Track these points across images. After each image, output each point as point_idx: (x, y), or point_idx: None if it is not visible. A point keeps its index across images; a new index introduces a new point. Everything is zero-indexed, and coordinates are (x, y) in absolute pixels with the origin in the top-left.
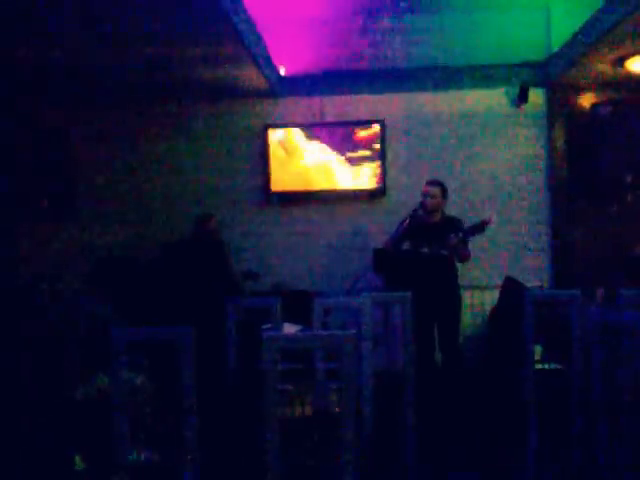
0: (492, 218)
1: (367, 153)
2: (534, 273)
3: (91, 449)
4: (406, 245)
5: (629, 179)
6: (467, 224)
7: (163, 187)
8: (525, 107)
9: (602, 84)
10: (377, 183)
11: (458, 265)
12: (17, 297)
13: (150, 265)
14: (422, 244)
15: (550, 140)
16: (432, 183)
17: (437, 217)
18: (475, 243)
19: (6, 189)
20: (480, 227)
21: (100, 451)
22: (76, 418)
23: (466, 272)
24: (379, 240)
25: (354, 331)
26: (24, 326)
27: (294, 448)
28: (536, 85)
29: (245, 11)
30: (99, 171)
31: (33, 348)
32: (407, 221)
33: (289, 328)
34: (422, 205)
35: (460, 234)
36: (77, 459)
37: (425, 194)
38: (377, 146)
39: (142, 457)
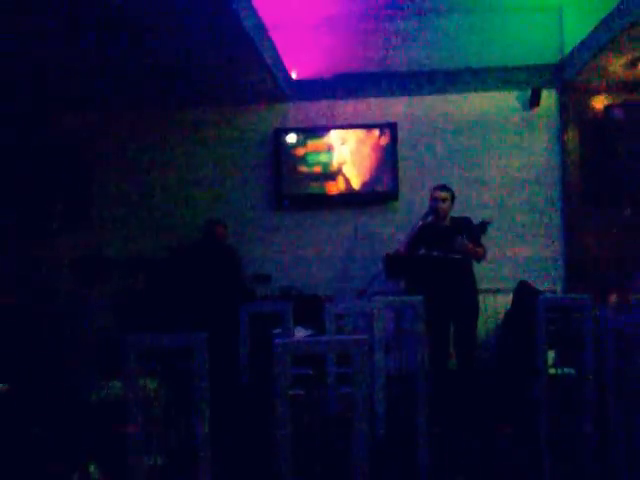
0: (490, 219)
1: (379, 156)
2: (547, 277)
3: (105, 454)
4: (419, 250)
5: None
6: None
7: (175, 192)
8: (537, 109)
9: (615, 86)
10: (389, 186)
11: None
12: (32, 304)
13: (161, 268)
14: (434, 249)
15: (563, 142)
16: (442, 188)
17: (447, 221)
18: (488, 246)
19: (21, 196)
20: (481, 227)
21: (114, 456)
22: (90, 424)
23: (479, 276)
24: (391, 244)
25: (366, 336)
26: (40, 332)
27: (306, 453)
28: (549, 87)
29: (256, 15)
30: (112, 178)
31: (48, 354)
32: (419, 225)
33: (300, 332)
34: (435, 210)
35: (464, 236)
36: (92, 467)
37: (437, 199)
38: (388, 149)
39: (156, 462)
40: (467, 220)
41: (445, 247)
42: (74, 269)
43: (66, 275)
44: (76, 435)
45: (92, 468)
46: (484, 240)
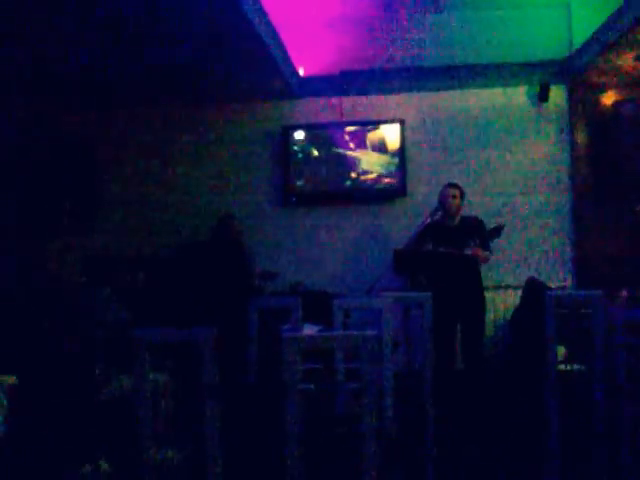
0: (504, 223)
1: (387, 153)
2: (557, 273)
3: (116, 449)
4: (427, 247)
5: None
6: (487, 224)
7: (183, 189)
8: (546, 105)
9: (624, 81)
10: (397, 183)
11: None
12: (41, 302)
13: (170, 266)
14: (443, 246)
15: (572, 138)
16: (452, 185)
17: (457, 219)
18: (497, 243)
19: (29, 196)
20: (495, 232)
21: (125, 450)
22: (100, 418)
23: (488, 272)
24: (399, 240)
25: (374, 332)
26: (49, 330)
27: (314, 448)
28: (557, 83)
29: (264, 12)
30: (120, 177)
31: (58, 349)
32: (428, 221)
33: (309, 329)
34: (445, 207)
35: (477, 241)
36: (102, 463)
37: (447, 196)
38: (397, 146)
39: (166, 455)
40: (477, 221)
41: (454, 247)
42: (84, 267)
43: (75, 273)
44: (87, 429)
45: (103, 462)
46: (496, 242)
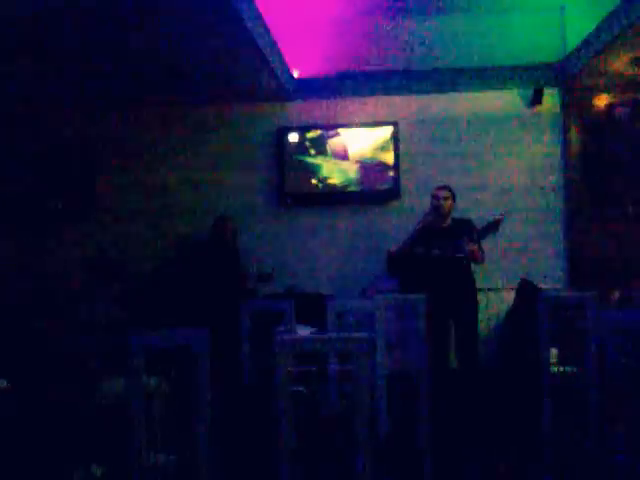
0: (503, 216)
1: (381, 155)
2: (549, 275)
3: (109, 452)
4: (419, 249)
5: None
6: (478, 225)
7: (177, 191)
8: (540, 109)
9: (618, 85)
10: (391, 185)
11: (473, 267)
12: (35, 298)
13: (167, 266)
14: (435, 248)
15: (565, 141)
16: (444, 187)
17: (448, 221)
18: (490, 245)
19: (27, 196)
20: (493, 226)
21: (118, 454)
22: (92, 422)
23: (481, 274)
24: (393, 242)
25: (368, 333)
26: (43, 328)
27: (308, 450)
28: (551, 86)
29: (258, 14)
30: (116, 174)
31: (49, 351)
32: (421, 224)
33: (302, 330)
34: (437, 209)
35: (475, 236)
36: (94, 468)
37: (439, 198)
38: (391, 148)
39: (159, 459)
40: (468, 222)
41: (445, 248)
42: (81, 267)
43: (69, 273)
44: (77, 433)
45: (94, 467)
46: (490, 243)
